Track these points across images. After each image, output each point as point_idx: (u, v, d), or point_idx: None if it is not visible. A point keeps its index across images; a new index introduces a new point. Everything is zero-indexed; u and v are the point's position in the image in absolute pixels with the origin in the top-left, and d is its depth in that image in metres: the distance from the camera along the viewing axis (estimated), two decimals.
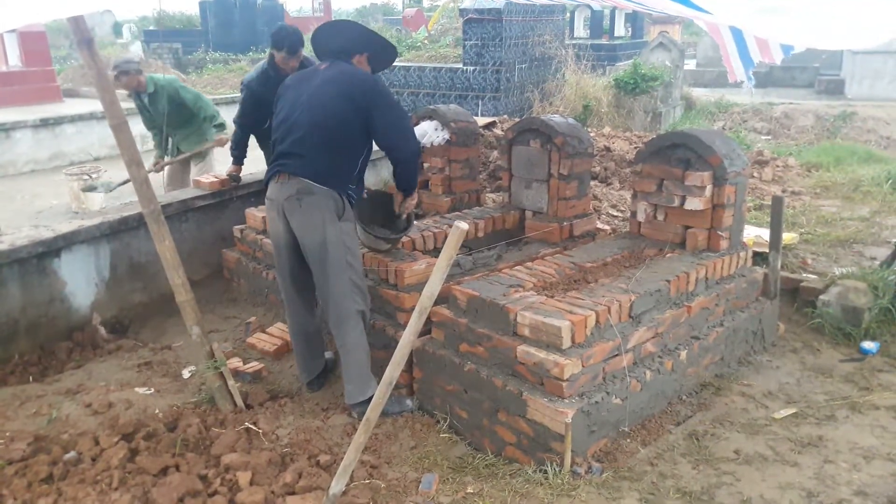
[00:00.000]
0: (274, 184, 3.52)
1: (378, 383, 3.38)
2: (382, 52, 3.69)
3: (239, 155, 5.48)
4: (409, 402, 3.64)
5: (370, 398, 3.35)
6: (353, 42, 3.58)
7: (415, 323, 2.24)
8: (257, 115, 5.19)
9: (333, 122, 3.37)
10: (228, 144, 5.82)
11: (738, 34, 4.72)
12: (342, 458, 2.79)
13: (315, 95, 3.42)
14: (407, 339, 2.27)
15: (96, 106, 10.96)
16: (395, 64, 11.66)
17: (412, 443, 3.36)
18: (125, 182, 6.54)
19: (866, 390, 3.71)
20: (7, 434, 3.27)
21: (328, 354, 4.02)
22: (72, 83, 14.90)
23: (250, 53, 19.99)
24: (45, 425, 3.38)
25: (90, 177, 7.77)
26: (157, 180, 5.33)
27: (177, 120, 6.28)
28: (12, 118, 10.31)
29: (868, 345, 4.09)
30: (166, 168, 6.47)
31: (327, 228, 3.41)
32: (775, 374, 3.93)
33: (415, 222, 4.64)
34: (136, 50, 21.87)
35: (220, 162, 6.45)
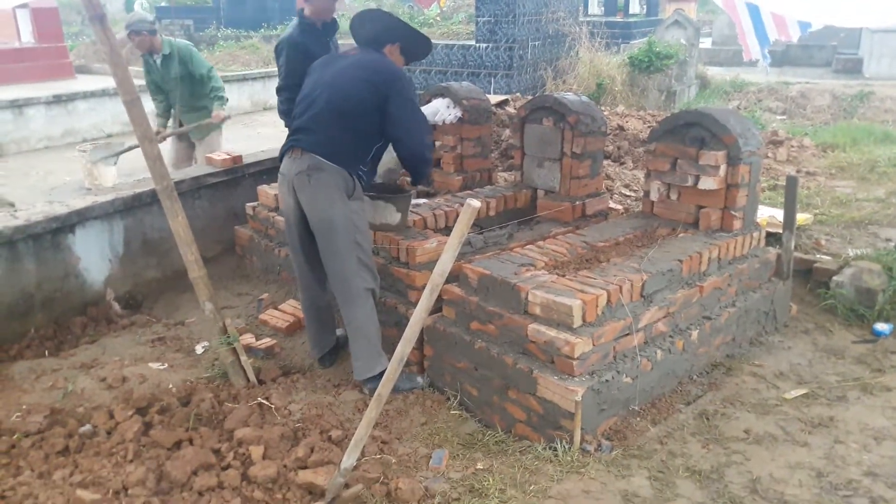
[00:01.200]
0: (287, 159, 3.56)
1: (389, 360, 3.43)
2: (415, 44, 3.71)
3: None
4: (419, 379, 3.67)
5: (380, 374, 3.41)
6: (385, 32, 3.62)
7: (426, 300, 2.24)
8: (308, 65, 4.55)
9: (352, 103, 3.41)
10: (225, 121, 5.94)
11: (754, 11, 4.66)
12: (353, 434, 2.81)
13: (338, 76, 3.48)
14: (418, 317, 2.28)
15: (109, 82, 10.97)
16: None
17: (423, 419, 3.39)
18: (131, 147, 6.57)
19: (878, 372, 3.70)
20: (24, 407, 3.33)
21: (339, 331, 4.04)
22: (84, 59, 14.92)
23: (262, 30, 19.88)
24: (61, 399, 3.43)
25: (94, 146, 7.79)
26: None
27: (186, 88, 6.20)
28: (25, 94, 10.34)
29: (881, 326, 4.06)
30: (172, 148, 6.42)
31: (336, 206, 3.42)
32: (787, 354, 3.92)
33: (426, 200, 4.64)
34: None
35: (229, 140, 6.46)
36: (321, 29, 4.62)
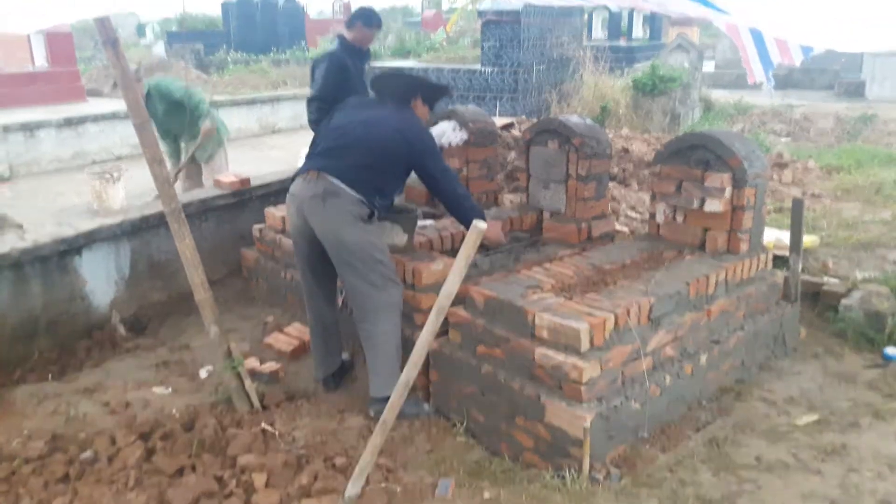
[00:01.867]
0: (300, 180, 3.55)
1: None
2: (434, 93, 3.96)
3: None
4: (425, 405, 3.63)
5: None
6: (408, 89, 3.82)
7: (432, 323, 2.22)
8: (344, 82, 5.06)
9: (383, 148, 3.53)
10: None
11: (757, 35, 4.67)
12: (358, 461, 2.78)
13: (376, 120, 3.60)
14: (424, 340, 2.25)
15: (119, 105, 11.03)
16: (413, 66, 11.67)
17: (428, 446, 3.35)
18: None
19: (890, 397, 3.65)
20: (25, 432, 3.30)
21: (345, 355, 4.01)
22: (96, 83, 15.03)
23: (271, 54, 20.06)
24: (63, 424, 3.41)
25: (112, 175, 7.82)
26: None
27: (176, 118, 6.13)
28: (37, 117, 10.41)
29: (892, 351, 4.02)
30: (181, 173, 6.43)
31: (351, 229, 3.41)
32: (797, 379, 3.88)
33: (432, 222, 4.63)
34: (158, 50, 22.04)
35: (237, 162, 6.47)
36: (358, 54, 5.28)
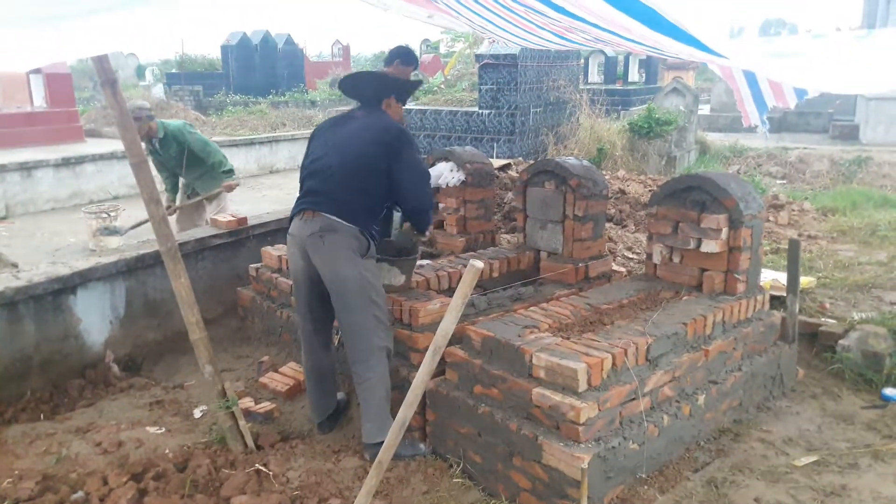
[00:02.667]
0: (298, 220, 3.56)
1: (391, 421, 3.37)
2: (405, 89, 4.01)
3: None
4: (422, 445, 3.59)
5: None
6: (379, 88, 3.80)
7: (429, 363, 2.21)
8: None
9: (362, 163, 3.51)
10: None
11: (751, 78, 4.74)
12: (353, 502, 2.74)
13: (349, 139, 3.58)
14: (421, 380, 2.24)
15: (117, 146, 11.14)
16: (411, 107, 11.80)
17: (424, 487, 3.30)
18: (137, 225, 6.65)
19: (889, 438, 3.62)
20: (16, 472, 3.26)
21: (340, 395, 3.98)
22: (94, 123, 15.17)
23: (270, 96, 20.32)
24: (54, 464, 3.36)
25: (108, 215, 7.84)
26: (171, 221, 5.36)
27: (188, 164, 6.32)
28: (35, 157, 10.47)
29: (890, 391, 4.00)
30: (179, 214, 6.53)
31: (350, 265, 3.42)
32: (795, 420, 3.85)
33: (430, 262, 4.65)
34: (157, 92, 22.31)
35: (235, 202, 6.52)
36: None
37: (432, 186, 5.24)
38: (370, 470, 2.40)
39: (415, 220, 3.83)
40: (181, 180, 6.56)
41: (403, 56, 5.55)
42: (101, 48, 1.92)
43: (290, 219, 3.65)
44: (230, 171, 6.52)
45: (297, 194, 3.70)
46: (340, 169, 3.51)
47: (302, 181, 3.69)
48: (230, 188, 6.51)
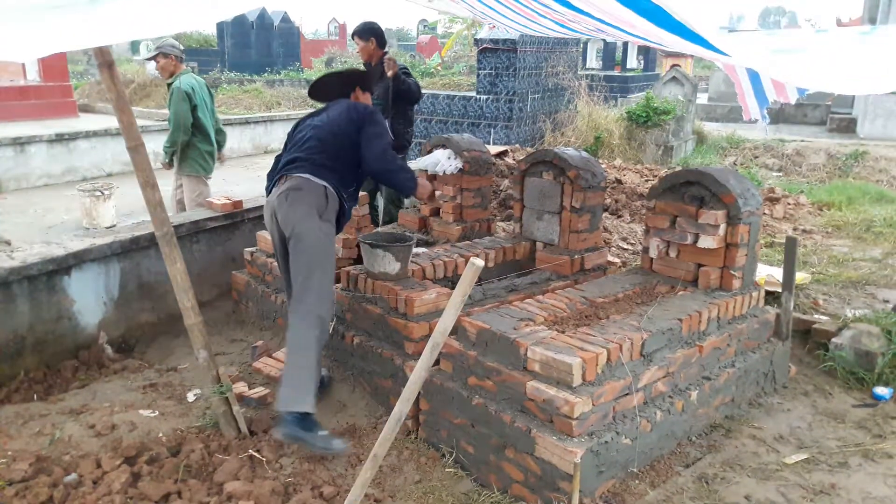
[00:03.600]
0: (274, 188, 3.73)
1: (315, 404, 3.32)
2: (367, 79, 4.17)
3: None
4: (337, 442, 3.34)
5: (304, 415, 3.24)
6: (343, 85, 4.07)
7: (426, 358, 2.21)
8: None
9: (336, 131, 3.72)
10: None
11: (753, 73, 4.73)
12: (346, 490, 2.75)
13: (324, 120, 3.83)
14: (418, 375, 2.24)
15: (111, 122, 11.07)
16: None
17: (417, 476, 3.32)
18: None
19: (879, 438, 3.65)
20: (9, 453, 3.25)
21: (324, 372, 3.96)
22: (88, 99, 15.04)
23: (265, 74, 20.16)
24: (48, 446, 3.36)
25: (102, 193, 7.80)
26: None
27: (201, 120, 6.12)
28: (28, 132, 10.39)
29: (881, 390, 4.03)
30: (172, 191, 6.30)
31: (305, 222, 3.49)
32: (786, 417, 3.87)
33: (425, 250, 4.64)
34: (151, 68, 22.10)
35: (228, 182, 6.46)
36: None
37: (429, 173, 5.24)
38: (366, 461, 2.40)
39: (385, 180, 4.11)
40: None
41: (379, 38, 5.85)
42: (104, 38, 1.89)
43: (268, 191, 3.80)
44: (166, 148, 6.18)
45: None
46: (316, 140, 3.71)
47: (278, 159, 3.85)
48: (223, 160, 6.51)
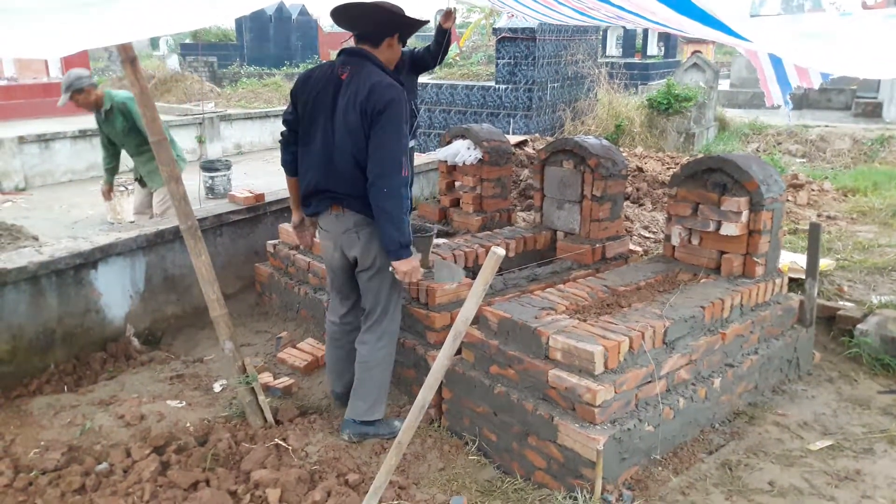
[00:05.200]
0: (328, 215, 3.41)
1: (385, 409, 3.54)
2: (410, 27, 3.42)
3: None
4: (396, 422, 3.60)
5: (374, 421, 3.50)
6: (382, 27, 3.30)
7: (449, 347, 2.23)
8: None
9: (355, 142, 3.19)
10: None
11: (776, 58, 4.68)
12: (371, 477, 2.79)
13: (339, 121, 3.23)
14: (441, 364, 2.26)
15: None
16: (427, 81, 11.73)
17: (440, 464, 3.35)
18: None
19: None
20: (42, 443, 3.33)
21: None
22: None
23: (284, 68, 20.26)
24: (79, 436, 3.43)
25: (126, 188, 7.89)
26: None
27: (135, 142, 5.64)
28: (52, 129, 10.53)
29: None
30: (136, 194, 6.02)
31: (384, 256, 3.36)
32: (811, 403, 3.85)
33: (446, 241, 4.66)
34: (172, 63, 22.30)
35: (249, 175, 6.46)
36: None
37: (449, 164, 5.25)
38: (389, 449, 2.43)
39: (375, 203, 3.20)
40: (132, 164, 5.94)
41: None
42: (125, 35, 1.92)
43: (311, 205, 3.45)
44: (179, 160, 5.62)
45: (285, 157, 3.52)
46: (341, 161, 3.24)
47: (303, 156, 3.42)
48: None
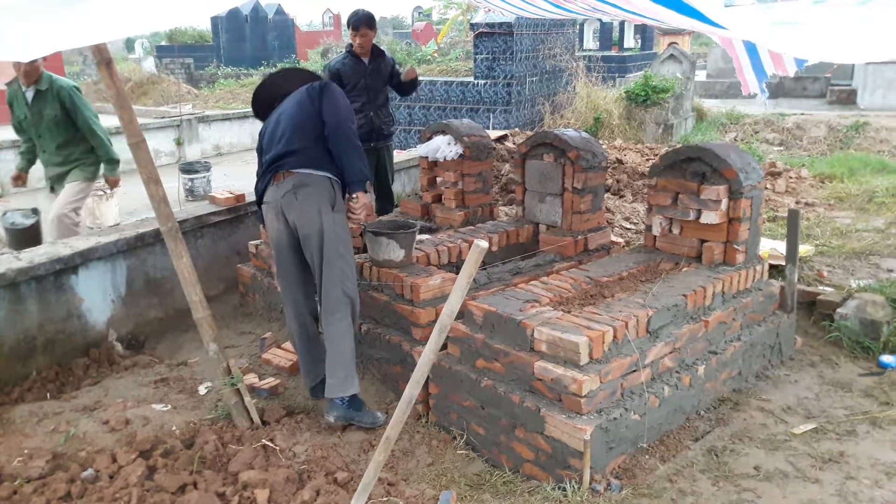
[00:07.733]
0: (271, 187, 3.63)
1: (358, 384, 3.57)
2: (308, 78, 3.92)
3: None
4: (379, 414, 3.67)
5: (351, 397, 3.53)
6: (292, 82, 3.84)
7: (434, 341, 2.23)
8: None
9: (306, 118, 3.59)
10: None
11: (751, 47, 4.71)
12: (359, 475, 2.79)
13: (286, 109, 3.71)
14: (427, 358, 2.26)
15: (109, 121, 11.01)
16: None
17: (429, 459, 3.35)
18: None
19: (886, 405, 3.67)
20: (26, 451, 3.29)
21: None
22: (85, 98, 15.03)
23: (262, 68, 20.13)
24: (63, 442, 3.39)
25: (104, 192, 7.80)
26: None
27: (59, 135, 5.21)
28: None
29: (887, 358, 4.05)
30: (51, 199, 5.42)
31: (323, 217, 3.49)
32: (794, 388, 3.90)
33: (429, 237, 4.66)
34: (148, 65, 22.09)
35: (229, 176, 6.41)
36: (365, 62, 5.64)
37: (430, 160, 5.26)
38: (378, 446, 2.43)
39: (342, 147, 3.60)
40: (46, 169, 5.44)
41: (352, 21, 5.60)
42: (99, 36, 1.90)
43: (262, 191, 3.69)
44: (114, 163, 5.41)
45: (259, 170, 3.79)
46: (290, 130, 3.60)
47: (265, 160, 3.73)
48: (114, 183, 5.52)
